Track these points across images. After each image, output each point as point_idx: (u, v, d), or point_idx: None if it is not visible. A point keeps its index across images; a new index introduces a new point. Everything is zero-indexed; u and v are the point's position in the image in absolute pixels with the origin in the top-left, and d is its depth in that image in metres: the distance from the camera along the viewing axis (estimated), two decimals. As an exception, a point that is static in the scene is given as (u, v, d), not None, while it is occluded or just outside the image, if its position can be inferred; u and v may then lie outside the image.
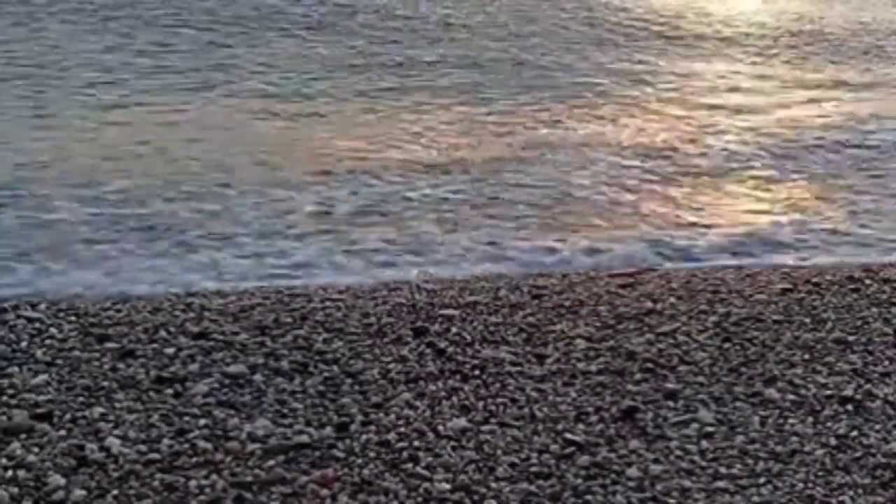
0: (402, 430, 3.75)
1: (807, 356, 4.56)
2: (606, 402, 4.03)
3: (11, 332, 4.48)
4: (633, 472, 3.54)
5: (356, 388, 4.07)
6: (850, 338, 4.78)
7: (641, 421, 3.90)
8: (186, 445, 3.58)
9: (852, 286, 5.55)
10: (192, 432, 3.67)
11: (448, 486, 3.40)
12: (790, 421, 3.96)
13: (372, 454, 3.58)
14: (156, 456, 3.50)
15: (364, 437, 3.69)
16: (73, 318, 4.69)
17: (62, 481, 3.32)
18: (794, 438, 3.82)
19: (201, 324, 4.67)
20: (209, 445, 3.58)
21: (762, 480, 3.54)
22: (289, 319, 4.76)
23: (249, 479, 3.40)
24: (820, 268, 5.96)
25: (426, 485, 3.41)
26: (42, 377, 4.03)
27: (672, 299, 5.25)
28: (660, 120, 9.38)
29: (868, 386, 4.28)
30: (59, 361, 4.20)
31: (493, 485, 3.44)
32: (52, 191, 6.58)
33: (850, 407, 4.08)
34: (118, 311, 4.83)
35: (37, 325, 4.58)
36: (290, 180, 7.05)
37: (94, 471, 3.40)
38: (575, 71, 11.29)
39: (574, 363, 4.39)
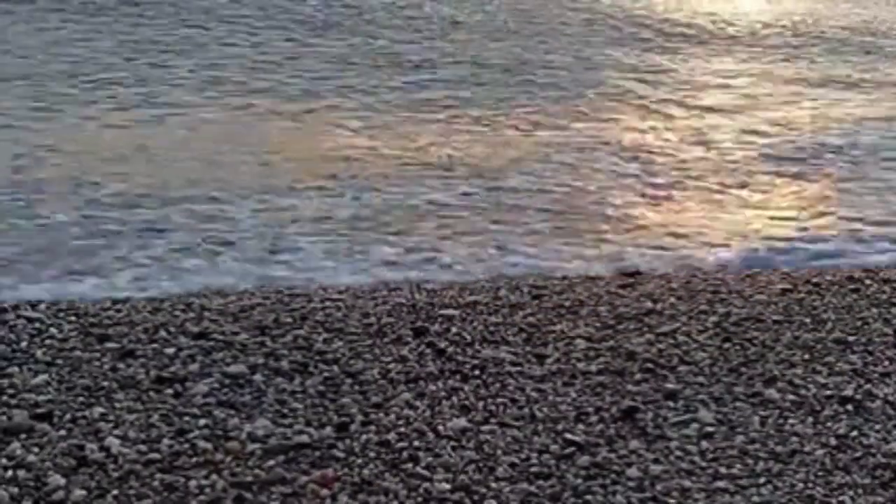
0: (402, 430, 3.75)
1: (807, 356, 4.56)
2: (606, 402, 4.03)
3: (11, 332, 4.48)
4: (633, 472, 3.54)
5: (356, 388, 4.08)
6: (850, 338, 4.78)
7: (641, 421, 3.90)
8: (186, 445, 3.58)
9: (852, 286, 5.55)
10: (192, 432, 3.67)
11: (448, 486, 3.41)
12: (790, 421, 3.96)
13: (372, 454, 3.58)
14: (156, 456, 3.50)
15: (364, 437, 3.69)
16: (73, 318, 4.69)
17: (62, 481, 3.32)
18: (794, 438, 3.82)
19: (201, 324, 4.67)
20: (209, 445, 3.58)
21: (762, 480, 3.54)
22: (289, 319, 4.76)
23: (249, 479, 3.40)
24: (820, 268, 5.95)
25: (426, 485, 3.41)
26: (42, 377, 4.03)
27: (672, 299, 5.25)
28: (665, 120, 9.37)
29: (868, 386, 4.28)
30: (59, 361, 4.20)
31: (493, 485, 3.44)
32: (51, 193, 6.58)
33: (850, 407, 4.09)
34: (118, 311, 4.83)
35: (37, 325, 4.58)
36: (292, 183, 7.02)
37: (94, 471, 3.40)
38: (575, 71, 11.28)
39: (574, 363, 4.39)
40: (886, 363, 4.52)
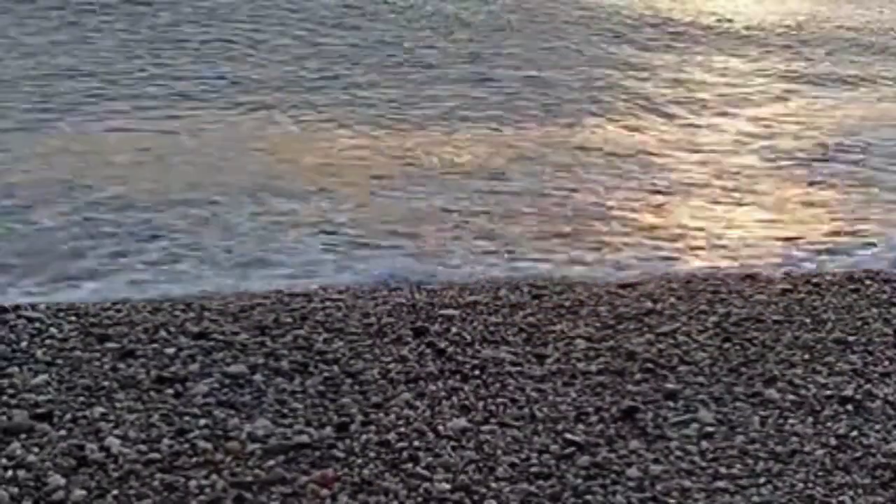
0: (402, 430, 3.75)
1: (807, 356, 4.56)
2: (606, 402, 4.03)
3: (12, 332, 4.48)
4: (633, 472, 3.54)
5: (356, 388, 4.08)
6: (850, 338, 4.78)
7: (641, 421, 3.90)
8: (186, 445, 3.58)
9: (852, 286, 5.56)
10: (193, 432, 3.67)
11: (448, 486, 3.41)
12: (790, 421, 3.96)
13: (372, 454, 3.58)
14: (156, 456, 3.50)
15: (364, 437, 3.69)
16: (73, 318, 4.68)
17: (62, 481, 3.32)
18: (794, 438, 3.82)
19: (201, 324, 4.67)
20: (209, 445, 3.58)
21: (762, 480, 3.54)
22: (289, 319, 4.76)
23: (249, 479, 3.40)
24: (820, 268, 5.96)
25: (426, 485, 3.41)
26: (42, 377, 4.03)
27: (672, 299, 5.25)
28: (663, 120, 9.37)
29: (868, 386, 4.28)
30: (60, 361, 4.20)
31: (493, 485, 3.44)
32: (48, 196, 6.58)
33: (850, 407, 4.09)
34: (118, 311, 4.83)
35: (37, 324, 4.58)
36: (293, 185, 7.00)
37: (94, 471, 3.40)
38: (576, 70, 11.28)
39: (574, 363, 4.39)
40: (886, 363, 4.52)
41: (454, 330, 4.70)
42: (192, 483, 3.35)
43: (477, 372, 4.26)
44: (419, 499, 3.35)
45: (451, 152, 8.01)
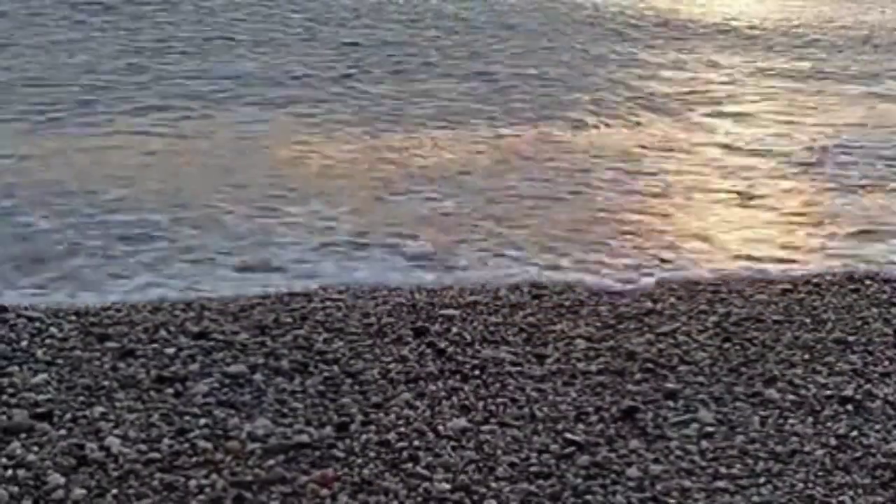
0: (402, 429, 3.75)
1: (807, 356, 4.56)
2: (606, 402, 4.03)
3: (12, 332, 4.49)
4: (633, 471, 3.54)
5: (356, 387, 4.08)
6: (850, 338, 4.78)
7: (641, 421, 3.90)
8: (186, 445, 3.58)
9: (852, 286, 5.56)
10: (193, 432, 3.67)
11: (448, 486, 3.41)
12: (790, 421, 3.96)
13: (372, 454, 3.58)
14: (156, 455, 3.50)
15: (364, 436, 3.69)
16: (73, 318, 4.69)
17: (62, 480, 3.32)
18: (794, 438, 3.82)
19: (201, 323, 4.67)
20: (209, 445, 3.58)
21: (762, 480, 3.54)
22: (289, 319, 4.76)
23: (249, 478, 3.40)
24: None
25: (426, 484, 3.41)
26: (42, 376, 4.03)
27: (672, 299, 5.25)
28: (665, 121, 9.37)
29: (868, 386, 4.28)
30: (60, 361, 4.20)
31: (493, 485, 3.44)
32: (51, 197, 6.59)
33: (850, 407, 4.09)
34: (118, 310, 4.83)
35: (37, 324, 4.58)
36: (296, 190, 6.98)
37: (94, 470, 3.40)
38: (577, 71, 11.28)
39: (574, 363, 4.39)
40: (886, 363, 4.52)
41: (454, 330, 4.70)
42: (192, 483, 3.36)
43: (477, 372, 4.26)
44: (419, 499, 3.35)
45: (452, 154, 8.01)
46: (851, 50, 13.27)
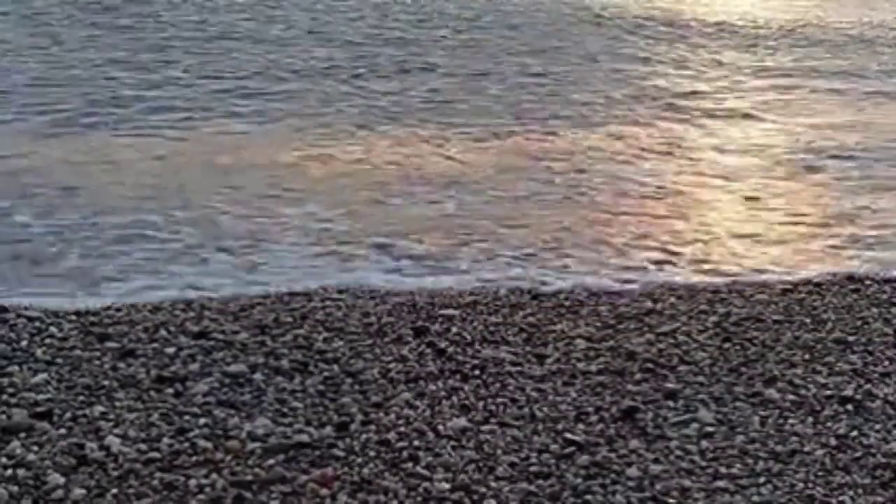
0: (402, 429, 3.75)
1: (807, 356, 4.56)
2: (606, 402, 4.03)
3: (12, 331, 4.48)
4: (632, 471, 3.54)
5: (356, 387, 4.08)
6: (850, 338, 4.78)
7: (641, 421, 3.90)
8: (186, 444, 3.58)
9: (852, 286, 5.56)
10: (193, 431, 3.67)
11: (448, 486, 3.41)
12: (790, 421, 3.96)
13: (372, 453, 3.58)
14: (156, 455, 3.50)
15: (364, 436, 3.69)
16: (73, 318, 4.69)
17: (62, 480, 3.32)
18: (794, 438, 3.82)
19: (201, 323, 4.67)
20: (209, 444, 3.58)
21: (762, 480, 3.54)
22: (289, 319, 4.76)
23: (249, 478, 3.40)
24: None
25: (426, 484, 3.41)
26: (42, 376, 4.03)
27: (672, 299, 5.26)
28: (664, 121, 9.37)
29: (868, 386, 4.28)
30: (60, 360, 4.20)
31: (493, 484, 3.44)
32: (52, 197, 6.59)
33: (850, 407, 4.09)
34: (118, 310, 4.83)
35: (37, 323, 4.58)
36: (295, 190, 6.97)
37: (94, 470, 3.40)
38: (579, 71, 11.27)
39: (574, 363, 4.39)
40: (886, 363, 4.52)
41: (454, 330, 4.70)
42: (192, 482, 3.35)
43: (477, 372, 4.26)
44: (419, 498, 3.35)
45: (452, 154, 8.01)
46: (853, 50, 13.26)
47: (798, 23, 15.12)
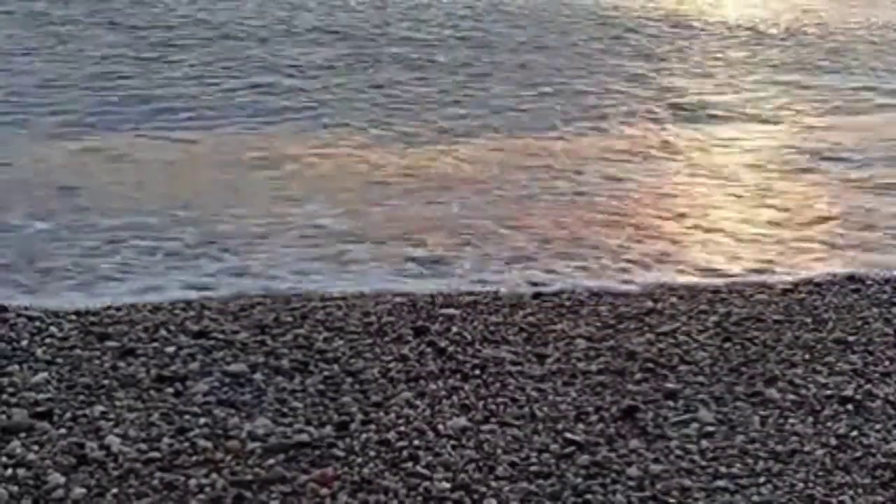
0: (403, 429, 3.75)
1: (807, 356, 4.56)
2: (606, 402, 4.03)
3: (12, 331, 4.49)
4: (633, 471, 3.54)
5: (356, 387, 4.08)
6: (851, 338, 4.78)
7: (641, 421, 3.90)
8: (186, 444, 3.58)
9: (853, 286, 5.55)
10: (193, 431, 3.67)
11: (448, 485, 3.41)
12: (790, 421, 3.96)
13: (372, 453, 3.58)
14: (156, 454, 3.50)
15: (364, 435, 3.69)
16: (73, 317, 4.69)
17: (62, 479, 3.32)
18: (794, 438, 3.82)
19: (201, 322, 4.67)
20: (209, 444, 3.58)
21: (762, 480, 3.54)
22: (289, 318, 4.76)
23: (249, 477, 3.40)
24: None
25: (426, 484, 3.41)
26: (42, 375, 4.03)
27: (672, 299, 5.25)
28: (665, 121, 9.36)
29: (868, 386, 4.28)
30: (60, 360, 4.20)
31: (493, 484, 3.44)
32: (52, 198, 6.59)
33: (850, 407, 4.08)
34: (118, 309, 4.83)
35: (37, 323, 4.58)
36: (296, 193, 6.96)
37: (94, 469, 3.40)
38: (580, 71, 11.26)
39: (574, 363, 4.39)
40: (886, 363, 4.52)
41: (455, 329, 4.70)
42: (192, 482, 3.35)
43: (477, 371, 4.26)
44: (419, 498, 3.35)
45: (452, 154, 8.01)
46: (856, 50, 13.25)
47: (801, 23, 15.11)
